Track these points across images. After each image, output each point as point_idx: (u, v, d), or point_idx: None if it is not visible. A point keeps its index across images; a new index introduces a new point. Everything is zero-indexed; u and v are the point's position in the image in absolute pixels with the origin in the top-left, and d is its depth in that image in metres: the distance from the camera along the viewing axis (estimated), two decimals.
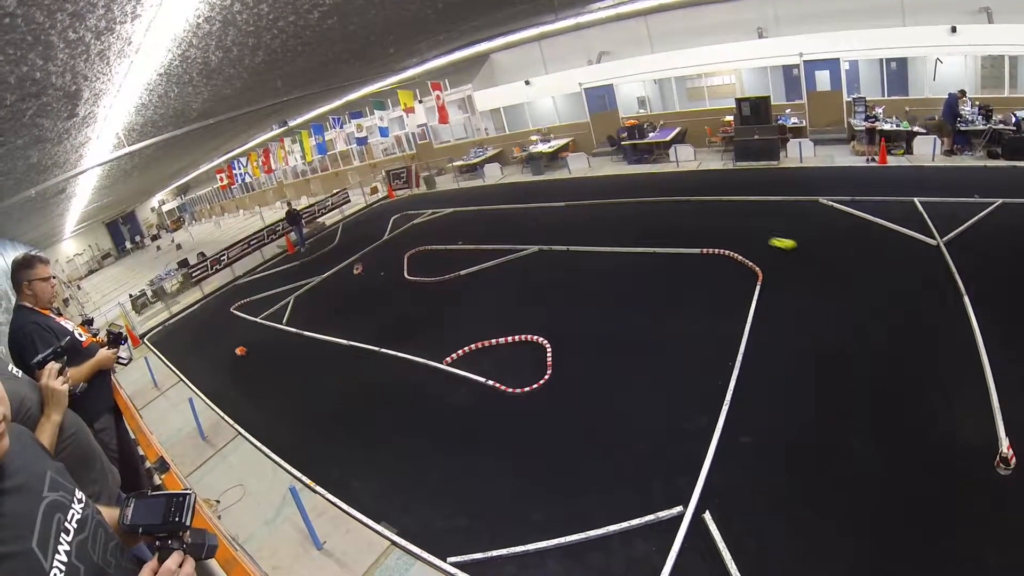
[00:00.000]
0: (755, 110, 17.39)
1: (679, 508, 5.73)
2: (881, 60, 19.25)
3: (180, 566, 1.71)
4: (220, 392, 11.43)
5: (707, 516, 5.56)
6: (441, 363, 9.71)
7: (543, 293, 11.50)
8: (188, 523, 1.77)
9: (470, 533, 6.21)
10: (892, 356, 7.65)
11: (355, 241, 20.33)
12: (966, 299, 8.54)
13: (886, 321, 8.47)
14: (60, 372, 3.15)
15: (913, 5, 18.54)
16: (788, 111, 18.92)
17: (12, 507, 1.54)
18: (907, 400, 6.79)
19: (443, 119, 23.41)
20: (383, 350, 10.90)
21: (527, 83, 22.99)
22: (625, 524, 5.70)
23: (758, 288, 9.71)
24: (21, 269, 4.51)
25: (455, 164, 25.41)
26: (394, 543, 6.35)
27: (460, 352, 9.86)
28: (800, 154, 17.10)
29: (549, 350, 9.16)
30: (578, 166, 20.63)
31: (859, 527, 5.33)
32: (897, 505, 5.48)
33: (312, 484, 7.65)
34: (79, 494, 1.79)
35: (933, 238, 10.80)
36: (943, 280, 9.30)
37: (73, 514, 1.69)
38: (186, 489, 1.93)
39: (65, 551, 1.58)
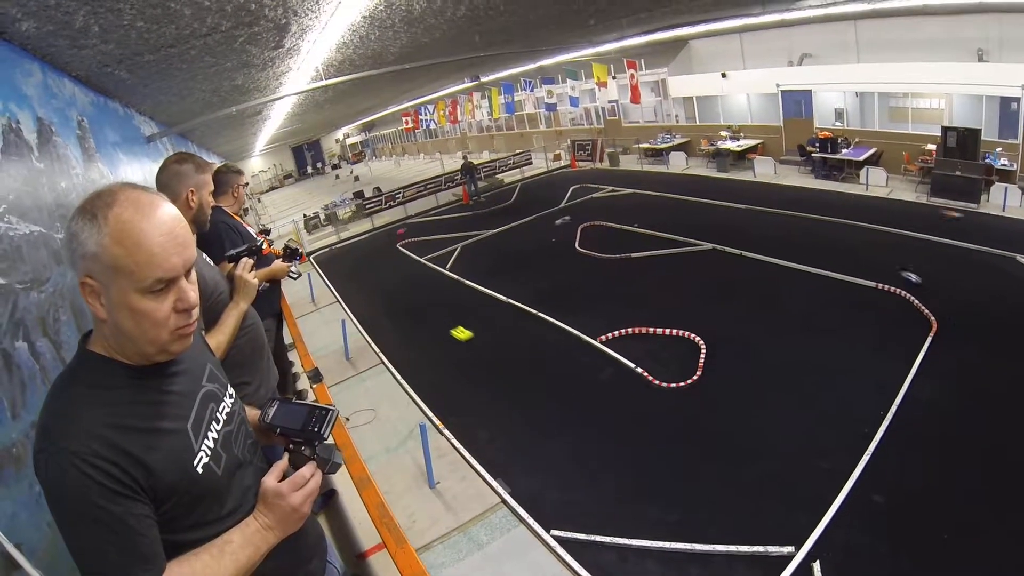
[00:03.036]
0: (961, 143, 15.98)
1: (790, 548, 5.53)
2: None
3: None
4: (371, 320, 12.11)
5: (816, 566, 5.34)
6: (595, 340, 9.78)
7: (709, 292, 11.35)
8: (326, 436, 1.83)
9: (580, 512, 6.26)
10: None
11: (531, 202, 20.69)
12: None
13: None
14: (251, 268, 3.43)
15: None
16: (999, 150, 16.97)
17: (180, 387, 1.66)
18: None
19: (635, 99, 23.49)
20: (540, 314, 11.07)
21: (723, 76, 22.46)
22: (732, 547, 5.60)
23: (929, 340, 8.95)
24: (232, 174, 4.97)
25: (641, 146, 25.20)
26: (504, 501, 6.48)
27: (616, 333, 9.87)
28: (1004, 202, 15.30)
29: (704, 351, 9.03)
30: (763, 170, 20.07)
31: None
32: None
33: (441, 426, 7.94)
34: (230, 390, 1.90)
35: None
36: None
37: (224, 407, 1.80)
38: (331, 405, 1.93)
39: (213, 439, 1.69)
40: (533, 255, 15.12)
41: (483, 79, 22.41)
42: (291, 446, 1.86)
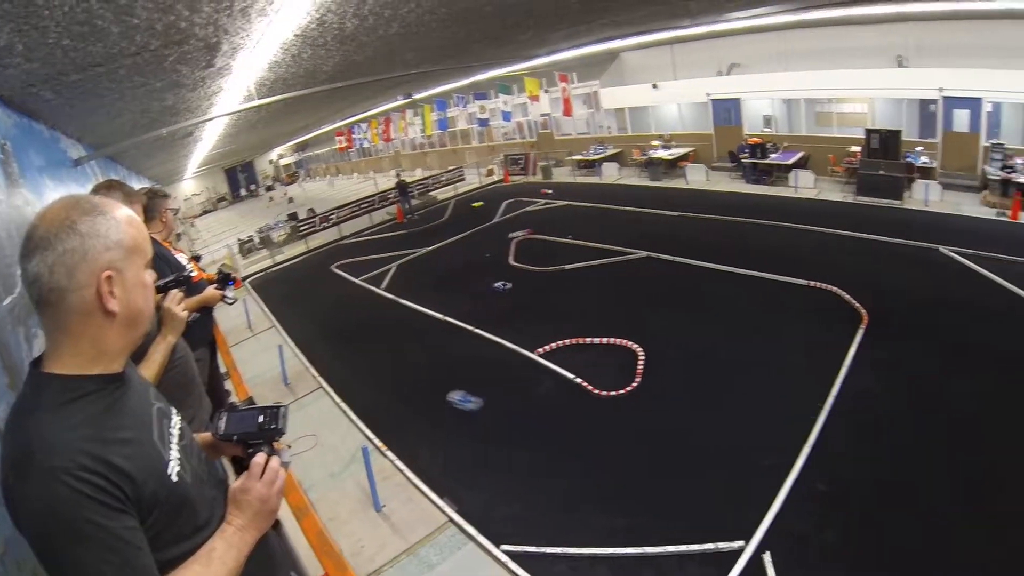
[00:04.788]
0: (884, 144, 16.85)
1: (740, 543, 5.67)
2: None
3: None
4: (309, 343, 11.97)
5: (766, 557, 5.48)
6: (533, 353, 9.85)
7: (644, 300, 11.53)
8: (284, 430, 1.91)
9: (528, 525, 6.28)
10: (996, 432, 7.15)
11: (465, 219, 20.75)
12: None
13: (995, 392, 7.89)
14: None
15: None
16: (919, 149, 18.09)
17: (137, 402, 1.71)
18: (1004, 483, 6.34)
19: (567, 112, 23.73)
20: (476, 330, 11.14)
21: (654, 86, 22.97)
22: (683, 547, 5.70)
23: (861, 331, 9.42)
24: (159, 198, 4.83)
25: (574, 158, 25.58)
26: (452, 520, 6.51)
27: (553, 345, 9.96)
28: (926, 197, 16.45)
29: (642, 358, 9.18)
30: (696, 177, 20.54)
31: None
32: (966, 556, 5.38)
33: (384, 447, 7.95)
34: (174, 409, 1.94)
35: None
36: None
37: (175, 423, 1.84)
38: (278, 402, 1.98)
39: (176, 451, 1.74)
40: (468, 271, 15.19)
41: (416, 96, 22.50)
42: (249, 451, 1.90)
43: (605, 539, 5.90)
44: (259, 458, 1.84)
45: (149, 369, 3.01)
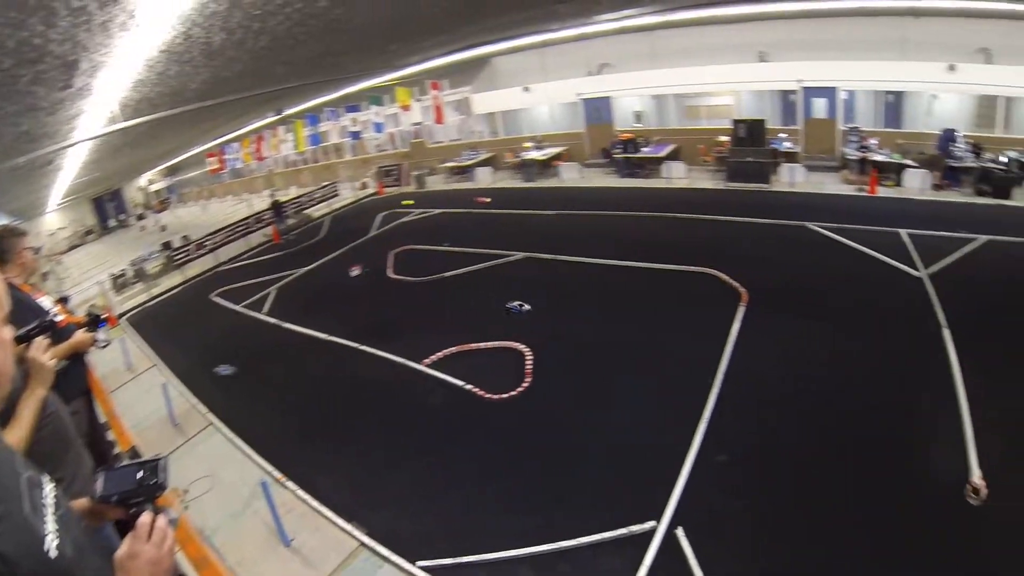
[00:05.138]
0: (751, 132, 17.75)
1: (652, 523, 5.79)
2: (878, 92, 19.99)
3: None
4: (195, 379, 11.29)
5: (680, 532, 5.65)
6: (420, 364, 9.71)
7: (527, 301, 11.50)
8: (166, 484, 1.81)
9: (441, 537, 6.23)
10: (870, 385, 7.92)
11: (342, 235, 20.27)
12: (945, 331, 8.93)
13: (866, 349, 8.75)
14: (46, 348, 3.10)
15: (913, 41, 18.95)
16: (782, 136, 19.37)
17: (3, 472, 1.55)
18: (882, 429, 7.04)
19: (439, 119, 23.58)
20: (362, 347, 10.87)
21: (526, 89, 23.24)
22: (597, 537, 5.75)
23: (742, 309, 9.97)
24: (14, 237, 4.36)
25: (447, 165, 25.44)
26: (363, 544, 6.35)
27: (440, 354, 9.85)
28: (791, 179, 17.55)
29: (529, 358, 9.23)
30: (570, 176, 20.81)
31: (826, 551, 5.54)
32: (865, 532, 5.68)
33: (283, 479, 7.60)
34: (46, 476, 1.76)
35: (917, 270, 11.23)
36: (924, 311, 9.66)
37: (48, 491, 1.67)
38: (156, 455, 1.88)
39: (53, 523, 1.57)
40: (348, 288, 14.73)
41: (287, 112, 21.95)
42: (132, 512, 1.78)
43: (519, 540, 5.90)
44: (144, 518, 1.72)
45: (18, 430, 2.72)
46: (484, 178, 23.46)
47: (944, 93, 19.65)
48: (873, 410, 7.39)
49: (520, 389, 8.48)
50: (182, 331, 14.70)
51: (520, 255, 13.72)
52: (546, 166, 21.97)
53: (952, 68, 18.36)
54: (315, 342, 11.76)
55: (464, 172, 24.69)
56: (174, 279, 20.28)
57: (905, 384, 7.92)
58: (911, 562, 5.30)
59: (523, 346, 9.56)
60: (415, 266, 14.66)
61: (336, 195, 26.97)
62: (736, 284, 10.80)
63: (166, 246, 23.82)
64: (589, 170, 21.38)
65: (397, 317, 12.15)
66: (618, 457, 6.98)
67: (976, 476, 6.03)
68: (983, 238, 12.66)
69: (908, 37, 18.98)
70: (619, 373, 8.69)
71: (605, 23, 15.59)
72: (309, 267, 17.17)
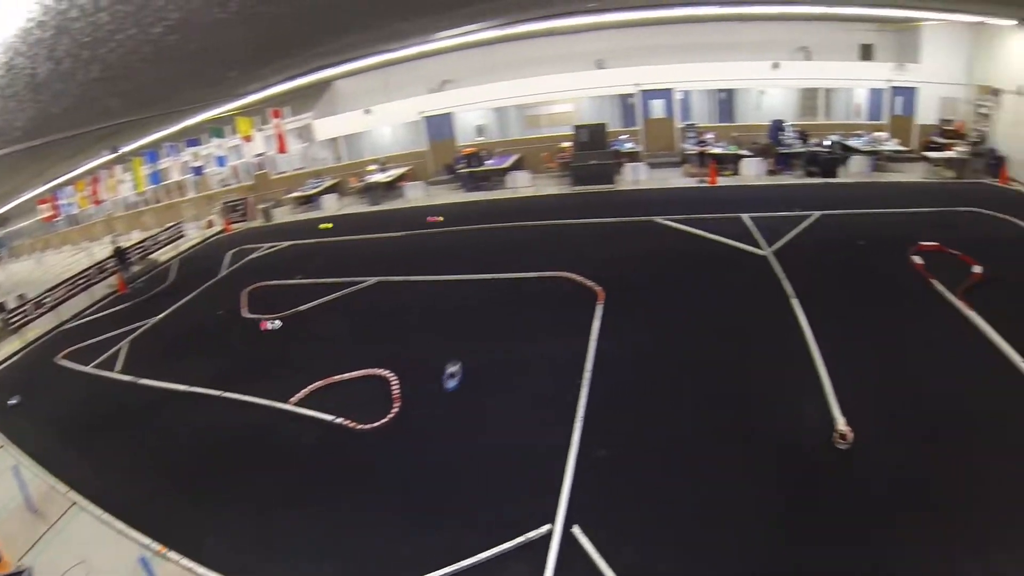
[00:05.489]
0: (592, 136, 18.45)
1: (547, 526, 6.03)
2: (712, 91, 21.63)
3: None
4: (50, 456, 10.17)
5: (576, 530, 5.91)
6: (287, 404, 9.49)
7: (385, 325, 11.58)
8: None
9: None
10: (733, 357, 8.76)
11: (191, 278, 19.22)
12: (794, 300, 10.10)
13: (724, 325, 9.63)
14: None
15: (741, 43, 20.74)
16: (623, 137, 20.45)
17: None
18: (752, 394, 7.90)
19: (282, 148, 23.01)
20: (226, 394, 10.47)
21: (367, 111, 23.19)
22: (496, 549, 5.88)
23: (600, 307, 10.48)
24: None
25: (293, 195, 25.04)
26: None
27: (306, 391, 9.69)
28: (635, 177, 18.55)
29: (396, 382, 9.27)
30: (415, 195, 21.02)
31: (718, 516, 6.04)
32: (752, 490, 6.31)
33: (163, 550, 7.09)
34: None
35: (762, 249, 12.42)
36: (773, 285, 10.78)
37: None
38: (19, 567, 1.55)
39: None
40: (202, 334, 14.25)
41: (124, 149, 20.91)
42: None
43: (424, 565, 5.94)
44: None
45: None
46: (330, 205, 23.27)
47: (771, 88, 21.65)
48: (739, 381, 8.17)
49: (392, 415, 8.52)
50: (29, 403, 13.20)
51: (373, 280, 13.67)
52: (391, 188, 22.01)
53: (777, 66, 20.59)
54: (176, 395, 11.11)
55: (310, 201, 24.34)
56: (12, 345, 18.42)
57: (765, 352, 8.83)
58: (798, 509, 6.00)
59: (387, 372, 9.59)
60: (270, 303, 14.22)
61: (182, 236, 25.94)
62: (591, 284, 11.30)
63: (0, 308, 21.97)
64: (434, 188, 21.68)
65: (257, 357, 11.83)
66: (503, 467, 7.19)
67: (841, 424, 6.90)
68: (816, 213, 14.23)
69: (737, 40, 20.85)
70: (489, 385, 8.93)
71: (446, 39, 15.58)
72: (160, 315, 16.13)
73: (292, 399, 9.53)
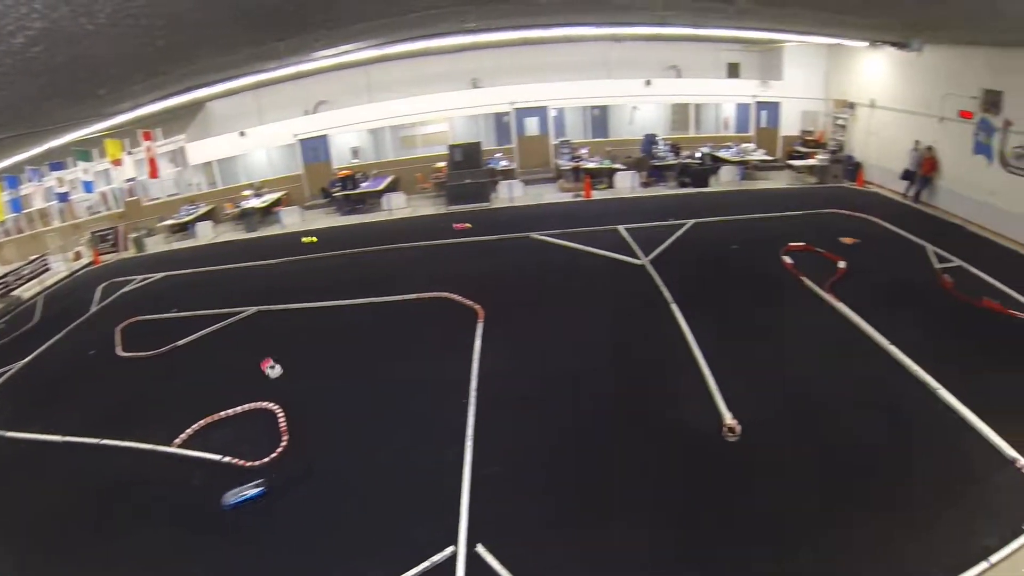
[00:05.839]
0: (467, 155, 19.03)
1: (451, 548, 6.17)
2: (586, 107, 22.72)
3: None
4: None
5: (481, 549, 6.11)
6: (170, 446, 8.95)
7: (266, 355, 11.03)
8: None
9: None
10: (618, 365, 9.39)
11: (60, 315, 17.60)
12: (673, 306, 10.92)
13: (607, 335, 10.25)
14: None
15: (615, 61, 22.05)
16: (498, 155, 21.17)
17: None
18: (640, 399, 8.49)
19: (153, 173, 22.22)
20: (104, 441, 9.54)
21: (242, 134, 22.85)
22: None
23: (481, 324, 10.84)
24: None
25: (166, 223, 24.09)
26: None
27: (190, 430, 9.18)
28: (511, 194, 19.11)
29: (282, 415, 8.99)
30: (292, 220, 20.67)
31: (618, 518, 6.46)
32: (649, 490, 6.85)
33: None
34: None
35: (639, 258, 13.23)
36: (652, 293, 11.57)
37: None
38: None
39: None
40: (74, 376, 12.86)
41: None
42: None
43: None
44: None
45: None
46: (206, 233, 22.43)
47: (644, 104, 22.99)
48: (627, 388, 8.78)
49: (280, 448, 8.26)
50: None
51: (252, 309, 13.24)
52: (267, 213, 21.68)
53: (649, 83, 22.06)
54: (49, 448, 10.02)
55: (185, 229, 23.41)
56: None
57: (650, 358, 9.58)
58: (695, 501, 6.64)
59: (273, 405, 9.28)
60: (147, 339, 13.26)
61: (47, 269, 24.41)
62: (471, 303, 11.64)
63: None
64: (310, 212, 21.50)
65: (136, 398, 11.01)
66: (399, 491, 7.30)
67: (729, 418, 7.69)
68: (690, 222, 15.42)
69: (610, 58, 22.19)
70: (377, 409, 9.00)
71: (322, 60, 15.39)
72: (26, 359, 14.89)
73: (176, 441, 9.03)
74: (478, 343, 10.28)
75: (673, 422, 8.07)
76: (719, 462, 7.28)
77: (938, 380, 8.58)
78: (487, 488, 6.99)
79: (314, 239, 17.59)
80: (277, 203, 21.89)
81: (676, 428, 7.94)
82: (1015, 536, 6.09)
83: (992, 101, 15.33)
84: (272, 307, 13.16)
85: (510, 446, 7.79)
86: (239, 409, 9.46)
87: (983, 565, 5.77)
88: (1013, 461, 7.02)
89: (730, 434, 7.54)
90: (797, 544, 6.14)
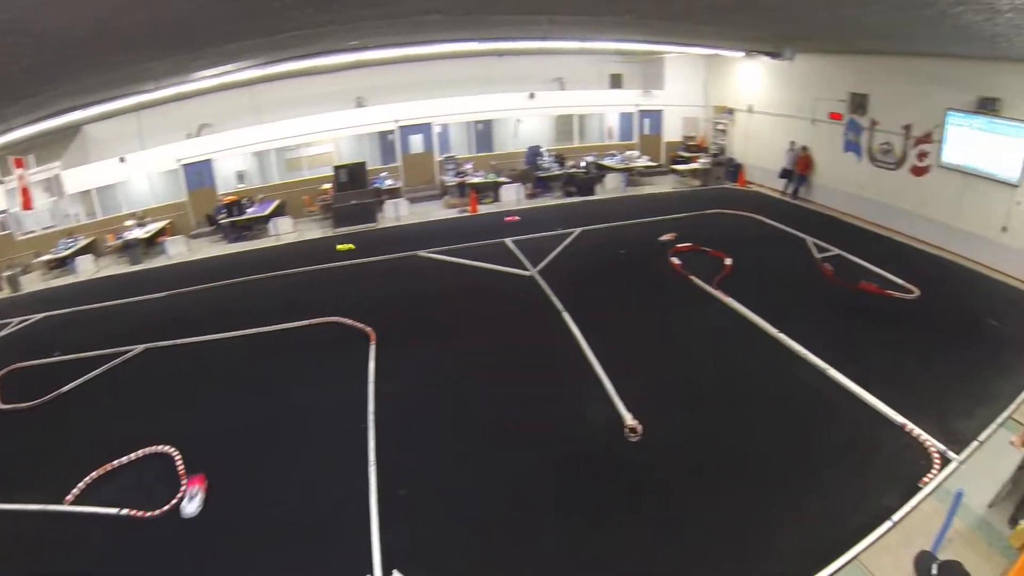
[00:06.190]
0: (352, 176, 19.10)
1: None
2: (470, 123, 22.88)
3: None
4: None
5: (396, 573, 6.12)
6: (63, 504, 8.30)
7: (158, 395, 10.71)
8: None
9: None
10: (514, 376, 9.65)
11: None
12: (565, 314, 11.36)
13: (499, 348, 10.56)
14: None
15: (498, 76, 22.26)
16: (384, 174, 21.25)
17: None
18: (541, 408, 8.78)
19: (27, 204, 21.08)
20: None
21: (122, 160, 21.91)
22: None
23: (373, 347, 10.85)
24: None
25: (43, 259, 22.57)
26: None
27: (82, 484, 8.52)
28: (397, 213, 19.34)
29: (179, 458, 8.58)
30: (178, 250, 19.96)
31: (531, 528, 6.68)
32: (558, 494, 7.13)
33: None
34: None
35: (527, 270, 13.67)
36: (543, 302, 11.99)
37: None
38: None
39: None
40: None
41: None
42: None
43: None
44: None
45: None
46: (87, 268, 21.30)
47: (528, 117, 23.48)
48: (526, 398, 9.08)
49: (180, 494, 7.83)
50: None
51: (140, 347, 12.57)
52: (152, 244, 20.77)
53: (532, 96, 22.68)
54: None
55: (64, 264, 22.07)
56: None
57: (546, 367, 9.86)
58: (608, 505, 6.91)
59: (169, 448, 8.80)
60: (28, 387, 12.14)
61: None
62: (362, 326, 11.63)
63: None
64: (197, 241, 20.81)
65: (20, 454, 10.19)
66: (306, 525, 7.12)
67: (629, 419, 8.12)
68: (577, 230, 16.20)
69: (494, 73, 22.27)
70: (276, 442, 8.72)
71: (204, 80, 15.16)
72: None
73: (68, 497, 8.38)
74: (372, 365, 10.27)
75: (575, 429, 8.36)
76: (625, 464, 7.63)
77: (826, 361, 9.55)
78: (397, 512, 7.01)
79: (351, 246, 17.65)
80: (162, 233, 20.96)
81: (579, 435, 8.23)
82: (912, 494, 6.84)
83: (859, 103, 17.29)
84: (162, 343, 12.53)
85: (415, 466, 7.83)
86: (133, 456, 8.87)
87: (887, 524, 6.46)
88: (903, 426, 8.00)
89: (632, 434, 7.93)
90: (711, 532, 6.56)
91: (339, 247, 17.73)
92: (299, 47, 12.31)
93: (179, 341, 12.45)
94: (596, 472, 7.58)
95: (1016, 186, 13.40)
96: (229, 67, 14.35)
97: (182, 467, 8.37)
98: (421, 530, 6.81)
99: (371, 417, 8.85)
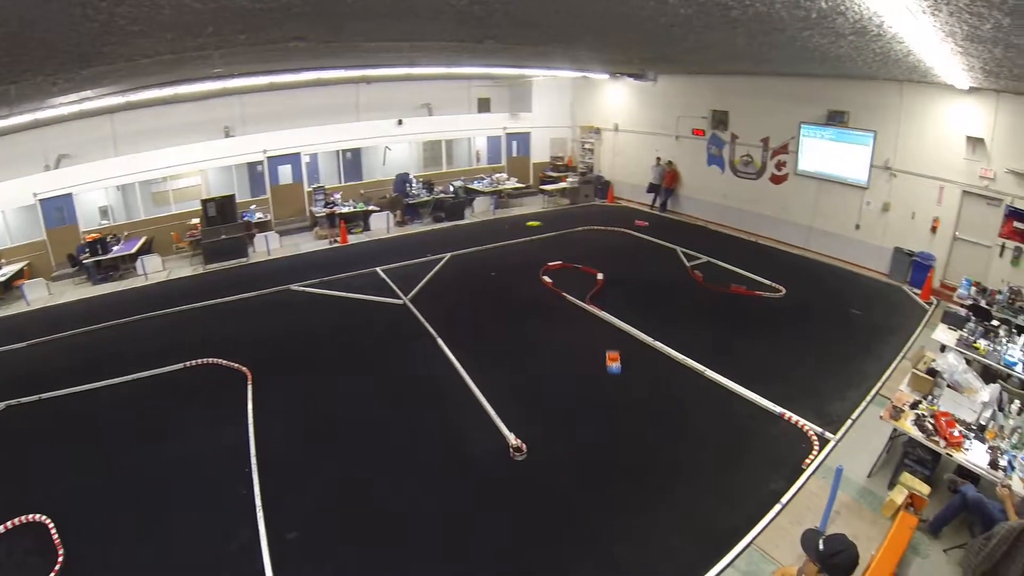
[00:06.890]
0: (221, 210, 18.93)
1: None
2: (338, 152, 23.09)
3: None
4: None
5: None
6: None
7: (24, 457, 9.96)
8: None
9: None
10: (394, 408, 10.06)
11: None
12: (439, 340, 11.87)
13: (377, 380, 10.86)
14: None
15: (366, 103, 22.84)
16: (253, 207, 21.19)
17: None
18: (424, 437, 9.18)
19: None
20: None
21: None
22: None
23: (250, 387, 10.86)
24: None
25: None
26: None
27: None
28: (268, 247, 19.38)
29: (52, 527, 7.98)
30: (37, 295, 18.49)
31: (430, 552, 7.06)
32: (452, 518, 7.57)
33: None
34: None
35: (400, 298, 14.11)
36: (417, 330, 12.43)
37: None
38: None
39: None
40: None
41: None
42: None
43: None
44: None
45: None
46: None
47: (396, 143, 23.95)
48: (408, 428, 9.49)
49: (57, 567, 7.33)
50: None
51: (2, 405, 11.40)
52: (8, 288, 18.91)
53: (400, 122, 23.26)
54: None
55: None
56: None
57: (428, 394, 10.34)
58: (496, 518, 7.51)
59: (41, 517, 8.20)
60: None
61: None
62: (238, 365, 11.63)
63: None
64: (58, 283, 19.56)
65: None
66: None
67: (513, 439, 8.70)
68: (447, 255, 16.99)
69: (362, 100, 22.78)
70: (154, 498, 8.34)
71: (62, 107, 14.71)
72: None
73: None
74: (251, 406, 10.20)
75: (461, 452, 8.80)
76: (514, 483, 8.12)
77: (703, 364, 10.66)
78: (290, 556, 7.07)
79: (538, 223, 19.59)
80: (19, 275, 19.26)
81: (467, 460, 8.65)
82: (797, 476, 7.82)
83: (720, 120, 19.32)
84: (22, 399, 11.55)
85: (304, 507, 7.89)
86: (5, 526, 8.14)
87: (777, 507, 7.31)
88: (781, 415, 9.11)
89: (518, 454, 8.48)
90: (611, 537, 7.13)
91: (529, 224, 20.27)
92: (160, 74, 12.29)
93: (44, 395, 11.60)
94: (488, 496, 7.99)
95: (865, 188, 15.62)
96: (89, 93, 14.11)
97: (56, 536, 7.82)
98: (315, 570, 6.90)
99: (254, 459, 8.81)
